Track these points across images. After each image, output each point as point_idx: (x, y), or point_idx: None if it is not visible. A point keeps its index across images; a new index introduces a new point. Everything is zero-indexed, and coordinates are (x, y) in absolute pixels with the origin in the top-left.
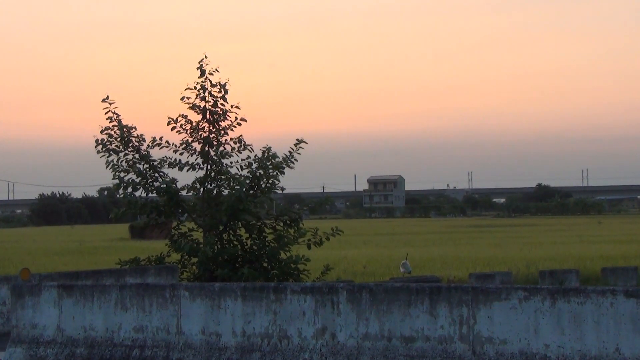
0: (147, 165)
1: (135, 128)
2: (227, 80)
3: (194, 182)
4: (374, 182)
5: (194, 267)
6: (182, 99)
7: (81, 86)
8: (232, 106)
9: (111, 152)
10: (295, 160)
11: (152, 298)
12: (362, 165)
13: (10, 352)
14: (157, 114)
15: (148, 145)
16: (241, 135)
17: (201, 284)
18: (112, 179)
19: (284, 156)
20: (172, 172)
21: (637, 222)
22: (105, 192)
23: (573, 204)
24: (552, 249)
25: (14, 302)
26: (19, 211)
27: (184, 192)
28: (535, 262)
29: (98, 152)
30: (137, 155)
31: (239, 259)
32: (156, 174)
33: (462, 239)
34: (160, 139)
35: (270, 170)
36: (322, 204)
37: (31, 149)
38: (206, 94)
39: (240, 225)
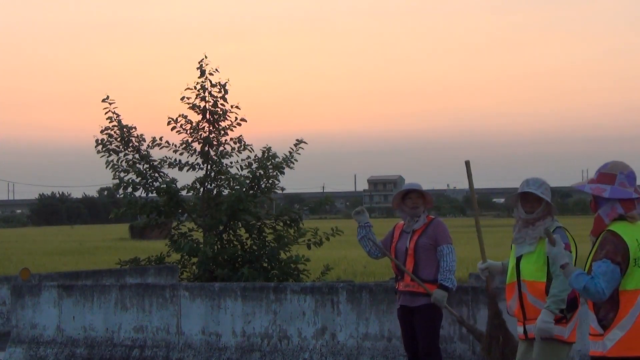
0: (147, 165)
1: (135, 128)
2: (227, 80)
3: (194, 182)
4: (374, 182)
5: (194, 267)
6: (182, 99)
7: (81, 86)
8: (232, 106)
9: (111, 152)
10: (295, 160)
11: (152, 298)
12: (362, 165)
13: (10, 352)
14: (157, 114)
15: (148, 145)
16: (241, 135)
17: (201, 284)
18: (112, 179)
19: (284, 156)
20: (172, 172)
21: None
22: (105, 192)
23: (573, 204)
24: None
25: (14, 302)
26: (19, 211)
27: (184, 192)
28: None
29: (98, 152)
30: (137, 155)
31: (239, 259)
32: (156, 174)
33: (462, 239)
34: (160, 139)
35: (270, 171)
36: (322, 204)
37: (31, 149)
38: (206, 94)
39: (240, 225)
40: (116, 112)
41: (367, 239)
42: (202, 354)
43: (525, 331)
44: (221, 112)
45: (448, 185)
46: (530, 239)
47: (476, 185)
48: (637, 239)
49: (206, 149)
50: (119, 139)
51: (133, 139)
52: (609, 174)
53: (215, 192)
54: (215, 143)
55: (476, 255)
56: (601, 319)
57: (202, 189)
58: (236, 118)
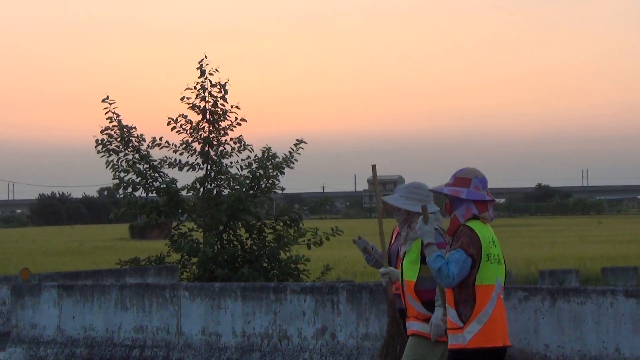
0: (147, 165)
1: (135, 128)
2: (227, 80)
3: (194, 182)
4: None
5: (194, 267)
6: (182, 99)
7: (81, 86)
8: (232, 106)
9: (111, 152)
10: (295, 160)
11: (152, 298)
12: (362, 165)
13: (10, 352)
14: (157, 114)
15: (148, 145)
16: (241, 135)
17: (201, 284)
18: (112, 179)
19: (284, 156)
20: (172, 172)
21: (637, 222)
22: (105, 192)
23: (573, 204)
24: (552, 249)
25: (14, 302)
26: (19, 211)
27: (184, 192)
28: (535, 262)
29: (98, 152)
30: (137, 155)
31: (239, 259)
32: (156, 174)
33: None
34: (160, 139)
35: (270, 171)
36: (322, 204)
37: (31, 149)
38: (206, 94)
39: (240, 225)
40: (116, 112)
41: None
42: (202, 354)
43: (405, 328)
44: (221, 112)
45: None
46: (409, 239)
47: None
48: (489, 237)
49: (206, 149)
50: (119, 139)
51: (133, 139)
52: (465, 178)
53: (215, 192)
54: (215, 143)
55: None
56: (460, 313)
57: (202, 189)
58: (236, 118)
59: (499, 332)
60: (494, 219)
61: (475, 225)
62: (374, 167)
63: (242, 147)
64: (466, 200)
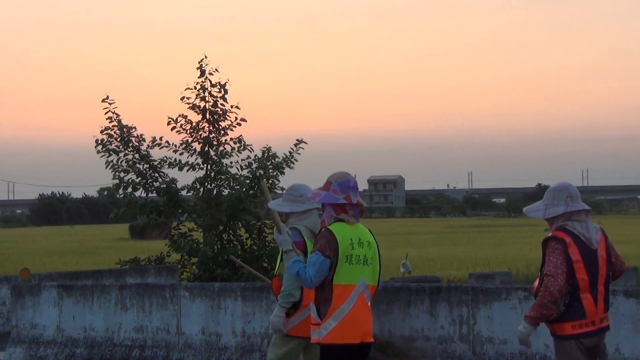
0: (147, 165)
1: (135, 128)
2: (227, 80)
3: (194, 182)
4: (374, 182)
5: (194, 267)
6: (182, 99)
7: (81, 86)
8: (232, 106)
9: (111, 152)
10: (295, 160)
11: (152, 298)
12: (362, 165)
13: (10, 352)
14: (157, 114)
15: (148, 145)
16: (241, 135)
17: (201, 284)
18: (112, 179)
19: (284, 156)
20: (172, 172)
21: (637, 222)
22: (105, 192)
23: None
24: None
25: (14, 302)
26: (19, 211)
27: (184, 192)
28: (535, 262)
29: (98, 152)
30: (137, 155)
31: (239, 259)
32: (156, 174)
33: (462, 239)
34: (160, 139)
35: (270, 171)
36: None
37: (31, 149)
38: (206, 94)
39: (240, 225)
40: (116, 112)
41: None
42: (202, 354)
43: None
44: (221, 112)
45: (448, 185)
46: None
47: (476, 185)
48: (351, 239)
49: (206, 149)
50: (119, 139)
51: (133, 139)
52: (328, 182)
53: (215, 192)
54: (215, 143)
55: (476, 255)
56: (319, 309)
57: (202, 189)
58: (236, 118)
59: (356, 329)
60: (359, 220)
61: (336, 227)
62: (263, 182)
63: (242, 147)
64: (325, 203)
